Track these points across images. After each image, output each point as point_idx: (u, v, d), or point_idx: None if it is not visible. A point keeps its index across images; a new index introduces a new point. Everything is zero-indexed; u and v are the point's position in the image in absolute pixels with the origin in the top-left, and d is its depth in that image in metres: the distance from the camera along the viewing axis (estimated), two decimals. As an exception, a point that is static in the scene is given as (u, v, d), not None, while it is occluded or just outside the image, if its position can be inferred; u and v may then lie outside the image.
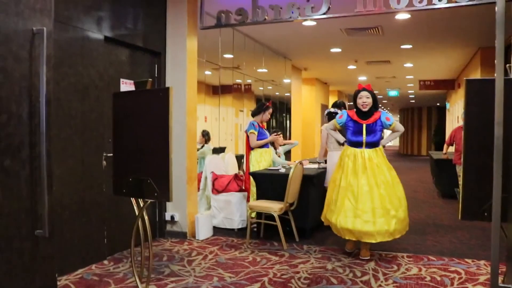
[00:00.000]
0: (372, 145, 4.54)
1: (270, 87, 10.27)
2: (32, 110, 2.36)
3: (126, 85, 4.81)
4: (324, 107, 15.80)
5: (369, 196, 4.40)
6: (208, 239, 5.36)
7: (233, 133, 8.58)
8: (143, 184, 3.06)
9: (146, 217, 3.32)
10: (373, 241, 4.40)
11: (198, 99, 5.89)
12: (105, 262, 4.42)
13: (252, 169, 5.77)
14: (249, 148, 5.92)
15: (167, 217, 5.41)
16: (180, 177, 5.29)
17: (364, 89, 4.64)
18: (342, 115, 4.76)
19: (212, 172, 6.11)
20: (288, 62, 11.16)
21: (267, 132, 6.04)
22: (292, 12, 4.74)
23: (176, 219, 5.39)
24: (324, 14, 4.64)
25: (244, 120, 8.73)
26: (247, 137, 5.87)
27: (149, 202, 3.26)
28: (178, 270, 4.17)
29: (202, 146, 6.90)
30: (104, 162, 4.44)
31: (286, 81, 11.16)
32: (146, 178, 3.04)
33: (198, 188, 6.01)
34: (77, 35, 4.13)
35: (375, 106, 4.64)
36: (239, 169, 7.03)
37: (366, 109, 4.57)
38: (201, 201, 6.19)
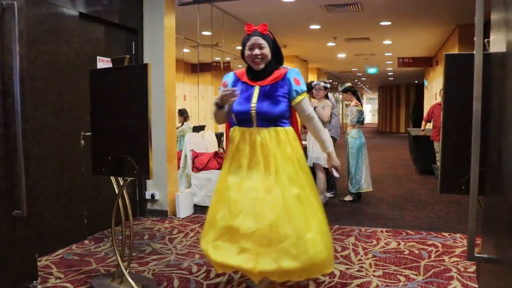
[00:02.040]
0: (269, 120, 2.69)
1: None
2: (6, 89, 2.29)
3: (103, 63, 4.71)
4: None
5: (255, 207, 2.56)
6: (189, 217, 5.36)
7: (212, 111, 8.53)
8: (123, 163, 3.03)
9: (126, 196, 3.29)
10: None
11: (177, 78, 5.82)
12: (86, 241, 4.39)
13: None
14: (229, 126, 5.89)
15: (147, 196, 5.39)
16: (160, 156, 5.25)
17: (256, 33, 2.72)
18: (227, 79, 2.90)
19: (192, 150, 6.08)
20: None
21: None
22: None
23: (156, 197, 5.37)
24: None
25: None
26: None
27: (128, 180, 3.23)
28: (160, 248, 4.17)
29: (182, 125, 6.85)
30: (82, 142, 4.37)
31: None
32: (125, 156, 3.00)
33: (178, 167, 5.98)
34: (50, 11, 4.01)
35: (277, 61, 2.86)
36: (219, 146, 7.00)
37: (261, 66, 2.74)
38: (181, 179, 6.17)
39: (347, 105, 6.44)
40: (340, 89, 6.67)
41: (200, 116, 7.94)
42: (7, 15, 2.24)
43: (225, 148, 6.01)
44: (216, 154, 6.08)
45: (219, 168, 5.89)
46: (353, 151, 6.16)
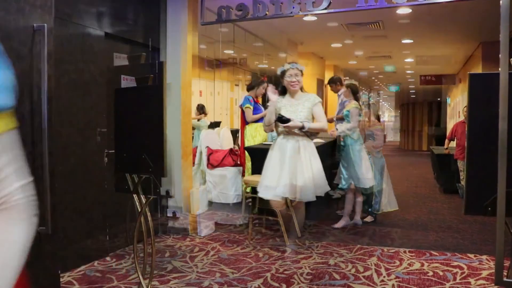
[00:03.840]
0: None
1: (266, 61, 10.13)
2: (34, 108, 2.35)
3: (127, 81, 4.78)
4: (320, 81, 15.63)
5: None
6: (211, 235, 5.35)
7: (228, 108, 8.49)
8: (145, 181, 3.06)
9: (148, 213, 3.31)
10: None
11: (193, 74, 5.77)
12: (108, 258, 4.42)
13: (247, 144, 5.73)
14: (244, 123, 5.88)
15: (169, 214, 5.41)
16: (175, 152, 5.25)
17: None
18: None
19: (207, 147, 6.06)
20: (284, 36, 11.00)
21: (262, 107, 6.00)
22: (293, 7, 4.72)
23: (171, 194, 5.25)
24: (325, 9, 4.62)
25: (239, 95, 8.63)
26: (242, 111, 5.84)
27: (151, 198, 3.26)
28: (181, 266, 4.17)
29: (198, 120, 6.87)
30: (106, 159, 4.43)
31: (282, 55, 11.00)
32: (148, 175, 3.04)
33: (193, 163, 5.95)
34: (78, 31, 4.12)
35: None
36: (234, 143, 6.96)
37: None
38: (196, 176, 6.13)
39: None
40: (345, 83, 6.13)
41: (216, 112, 7.89)
42: (37, 36, 2.31)
43: (240, 145, 6.02)
44: (231, 151, 6.06)
45: (234, 165, 5.85)
46: (355, 155, 5.50)
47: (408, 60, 11.92)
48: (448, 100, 17.82)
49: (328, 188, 4.16)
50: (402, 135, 29.61)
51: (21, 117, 2.30)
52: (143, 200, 3.29)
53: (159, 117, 2.98)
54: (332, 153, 6.17)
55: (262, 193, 3.98)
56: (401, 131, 30.64)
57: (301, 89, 4.14)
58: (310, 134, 3.99)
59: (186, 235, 5.33)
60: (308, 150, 3.98)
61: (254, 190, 5.27)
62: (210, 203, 5.71)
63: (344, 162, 5.61)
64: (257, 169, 5.40)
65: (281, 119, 3.74)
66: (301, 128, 3.88)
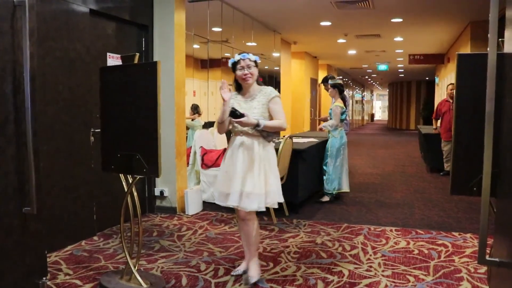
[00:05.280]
0: None
1: (259, 61, 10.16)
2: (17, 86, 2.30)
3: (113, 60, 4.72)
4: (314, 81, 15.71)
5: None
6: (198, 214, 5.37)
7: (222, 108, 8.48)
8: (132, 160, 3.03)
9: (135, 193, 3.30)
10: None
11: (186, 73, 5.81)
12: (95, 238, 4.42)
13: None
14: None
15: (157, 193, 5.40)
16: (169, 152, 5.26)
17: None
18: None
19: (201, 147, 6.08)
20: (277, 36, 11.03)
21: None
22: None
23: (165, 194, 5.38)
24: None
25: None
26: None
27: (138, 178, 3.23)
28: (168, 246, 4.18)
29: (192, 120, 6.86)
30: (92, 138, 4.38)
31: (276, 55, 11.05)
32: (134, 154, 3.01)
33: (187, 163, 5.98)
34: (61, 7, 4.02)
35: None
36: (228, 143, 6.98)
37: None
38: (190, 176, 6.18)
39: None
40: (330, 82, 6.22)
41: (210, 112, 7.93)
42: (18, 12, 2.24)
43: None
44: (225, 151, 6.07)
45: None
46: (332, 150, 5.99)
47: (398, 39, 11.88)
48: (437, 80, 17.88)
49: (281, 199, 3.43)
50: (390, 114, 29.79)
51: (3, 96, 2.25)
52: (130, 180, 3.27)
53: (152, 116, 2.92)
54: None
55: (217, 200, 3.46)
56: (389, 110, 30.81)
57: (258, 82, 3.52)
58: (267, 134, 3.37)
59: (173, 214, 5.34)
60: (263, 153, 3.35)
61: None
62: (204, 203, 5.72)
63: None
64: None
65: (234, 114, 3.18)
66: (256, 126, 3.25)
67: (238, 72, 3.40)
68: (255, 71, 3.43)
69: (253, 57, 3.46)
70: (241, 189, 3.26)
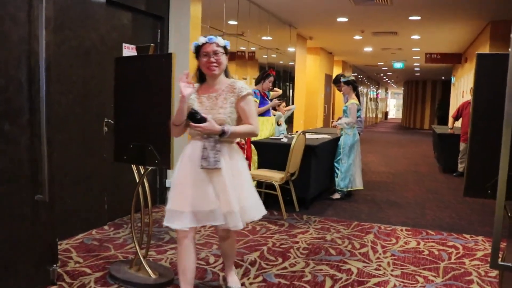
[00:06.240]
0: None
1: (274, 56, 10.12)
2: (32, 75, 2.31)
3: (128, 50, 4.73)
4: (328, 77, 15.63)
5: None
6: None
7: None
8: (144, 151, 3.04)
9: (146, 184, 3.31)
10: None
11: None
12: (106, 227, 4.45)
13: (253, 138, 5.73)
14: None
15: (168, 184, 5.42)
16: (181, 144, 5.25)
17: None
18: None
19: None
20: (293, 31, 10.97)
21: (268, 100, 5.98)
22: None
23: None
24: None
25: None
26: None
27: (149, 169, 3.24)
28: (178, 237, 4.19)
29: None
30: (105, 128, 4.40)
31: (291, 49, 11.00)
32: (147, 145, 3.02)
33: None
34: (78, -3, 4.03)
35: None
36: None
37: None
38: None
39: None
40: (342, 79, 6.16)
41: None
42: (35, 1, 2.25)
43: (246, 139, 6.00)
44: (237, 144, 6.07)
45: None
46: (345, 147, 5.95)
47: (415, 37, 11.75)
48: (453, 80, 17.66)
49: (259, 215, 2.82)
50: (404, 112, 29.53)
51: (19, 84, 2.26)
52: (142, 170, 3.28)
53: (166, 108, 2.90)
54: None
55: (166, 221, 2.71)
56: (403, 109, 30.55)
57: (226, 74, 2.80)
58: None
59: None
60: (231, 161, 2.78)
61: (259, 184, 5.28)
62: None
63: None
64: (264, 163, 5.47)
65: (194, 117, 2.56)
66: (221, 135, 2.63)
67: (203, 59, 2.70)
68: (223, 59, 2.70)
69: (222, 42, 2.72)
70: (219, 206, 2.64)
